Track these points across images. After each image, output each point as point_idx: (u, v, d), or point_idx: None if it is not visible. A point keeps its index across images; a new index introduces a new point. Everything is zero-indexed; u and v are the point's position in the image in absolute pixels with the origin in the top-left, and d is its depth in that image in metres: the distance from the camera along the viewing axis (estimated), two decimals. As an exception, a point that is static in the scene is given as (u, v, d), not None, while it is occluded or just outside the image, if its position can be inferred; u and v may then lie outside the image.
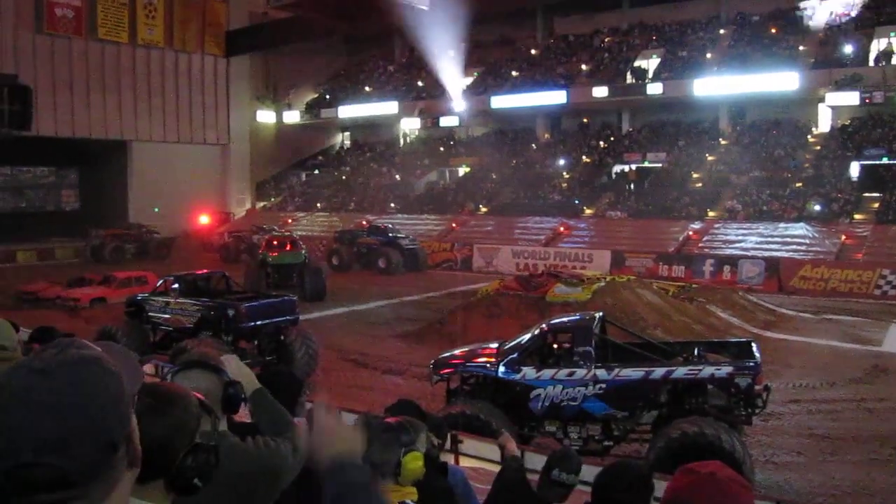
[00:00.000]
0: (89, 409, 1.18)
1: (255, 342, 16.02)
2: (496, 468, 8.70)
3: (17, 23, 39.33)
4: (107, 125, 43.43)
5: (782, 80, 34.99)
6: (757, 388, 9.85)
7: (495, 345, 11.49)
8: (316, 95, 53.68)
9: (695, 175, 37.17)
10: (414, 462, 3.15)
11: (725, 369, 9.88)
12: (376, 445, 3.01)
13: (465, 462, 8.27)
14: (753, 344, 11.02)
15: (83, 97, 42.28)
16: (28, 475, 1.14)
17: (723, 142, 39.05)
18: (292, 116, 52.64)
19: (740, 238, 31.56)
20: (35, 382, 1.18)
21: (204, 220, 45.53)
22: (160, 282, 18.80)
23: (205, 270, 20.68)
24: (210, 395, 2.39)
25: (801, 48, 37.67)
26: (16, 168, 43.97)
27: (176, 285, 17.80)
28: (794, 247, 29.87)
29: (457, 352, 11.85)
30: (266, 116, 52.47)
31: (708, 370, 9.92)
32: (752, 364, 10.01)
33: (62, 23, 40.57)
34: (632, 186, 38.40)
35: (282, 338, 15.93)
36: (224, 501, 2.12)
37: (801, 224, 31.14)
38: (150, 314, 17.70)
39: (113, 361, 1.27)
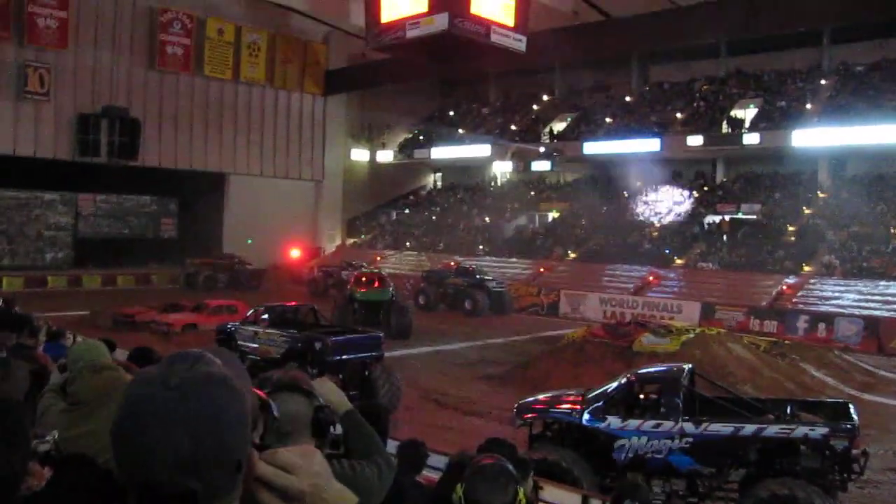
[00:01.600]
0: (222, 430, 1.20)
1: (340, 376, 16.16)
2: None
3: (132, 60, 41.11)
4: (207, 158, 44.78)
5: (888, 133, 33.73)
6: (854, 452, 9.34)
7: (579, 392, 11.34)
8: (410, 136, 54.38)
9: (790, 228, 36.10)
10: (524, 496, 3.15)
11: (820, 430, 9.42)
12: (488, 487, 3.00)
13: (545, 510, 8.14)
14: (851, 405, 10.56)
15: (186, 130, 43.77)
16: (160, 491, 1.16)
17: (821, 195, 37.85)
18: (386, 156, 53.38)
19: (837, 295, 30.37)
20: (171, 400, 1.18)
21: (295, 253, 46.39)
22: (250, 311, 19.25)
23: (294, 303, 21.11)
24: (299, 419, 2.42)
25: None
26: (121, 196, 45.79)
27: (266, 315, 18.21)
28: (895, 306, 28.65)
29: (541, 397, 11.74)
30: (360, 155, 53.30)
31: (801, 430, 9.49)
32: (849, 426, 9.53)
33: (172, 60, 42.28)
34: (724, 238, 37.55)
35: (367, 373, 16.06)
36: None
37: (904, 283, 29.77)
38: (239, 342, 18.10)
39: (238, 381, 1.29)
